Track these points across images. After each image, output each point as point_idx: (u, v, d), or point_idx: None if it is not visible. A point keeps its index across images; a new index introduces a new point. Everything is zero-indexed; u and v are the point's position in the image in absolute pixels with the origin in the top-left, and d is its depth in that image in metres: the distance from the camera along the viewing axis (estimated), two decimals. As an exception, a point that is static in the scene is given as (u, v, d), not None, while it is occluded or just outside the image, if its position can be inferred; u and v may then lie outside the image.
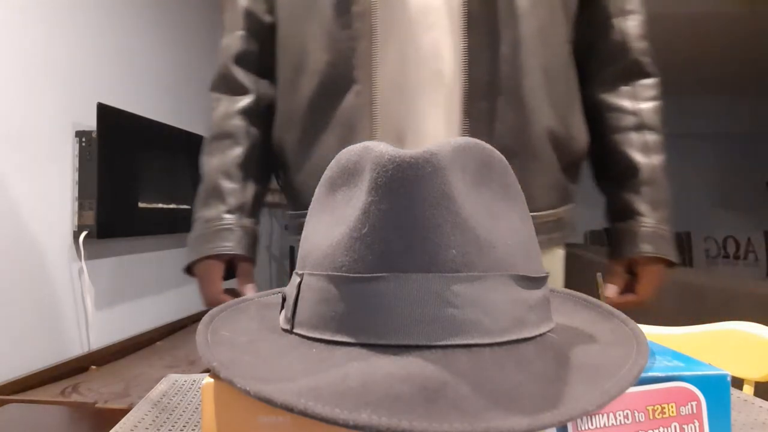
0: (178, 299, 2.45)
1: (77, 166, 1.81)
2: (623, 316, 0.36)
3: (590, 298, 0.42)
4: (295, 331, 0.34)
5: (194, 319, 2.41)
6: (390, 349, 0.29)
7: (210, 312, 0.38)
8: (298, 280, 0.35)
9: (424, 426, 0.23)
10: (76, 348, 1.78)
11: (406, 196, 0.29)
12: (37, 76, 1.68)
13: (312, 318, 0.33)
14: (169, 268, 2.39)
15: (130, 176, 1.97)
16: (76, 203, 1.80)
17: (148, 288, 2.23)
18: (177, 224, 2.32)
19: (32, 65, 1.65)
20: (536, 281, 0.33)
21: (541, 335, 0.32)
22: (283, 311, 0.36)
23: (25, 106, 1.62)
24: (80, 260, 1.80)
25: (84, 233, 1.78)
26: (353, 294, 0.30)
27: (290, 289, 0.36)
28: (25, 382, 1.48)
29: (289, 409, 0.24)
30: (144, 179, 2.06)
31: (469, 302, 0.29)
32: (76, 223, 1.80)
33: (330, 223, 0.33)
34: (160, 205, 2.19)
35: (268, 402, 0.25)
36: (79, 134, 1.81)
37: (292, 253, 3.30)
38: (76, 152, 1.81)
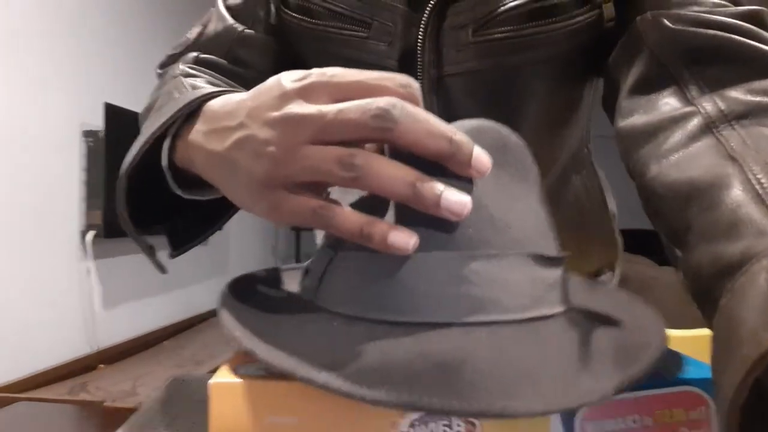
0: (185, 299, 2.45)
1: (85, 165, 1.82)
2: (643, 301, 0.36)
3: (611, 286, 0.41)
4: (318, 304, 0.34)
5: (201, 318, 2.42)
6: (410, 326, 0.29)
7: (231, 282, 0.38)
8: (325, 254, 0.35)
9: (441, 404, 0.23)
10: (84, 347, 1.79)
11: None
12: (45, 78, 1.68)
13: (335, 293, 0.33)
14: (176, 267, 2.39)
15: (137, 176, 1.98)
16: (84, 203, 1.81)
17: (155, 287, 2.24)
18: (184, 224, 2.33)
19: (40, 67, 1.66)
20: (554, 261, 0.33)
21: (561, 313, 0.32)
22: (307, 283, 0.36)
23: (34, 107, 1.63)
24: (88, 259, 1.81)
25: (91, 233, 1.79)
26: (374, 272, 0.30)
27: (316, 262, 0.36)
28: (33, 380, 1.49)
29: (310, 383, 0.24)
30: (151, 179, 2.07)
31: (488, 280, 0.29)
32: (83, 222, 1.81)
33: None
34: (167, 205, 2.20)
35: (290, 375, 0.25)
36: (87, 134, 1.82)
37: (298, 253, 3.31)
38: (84, 152, 1.82)
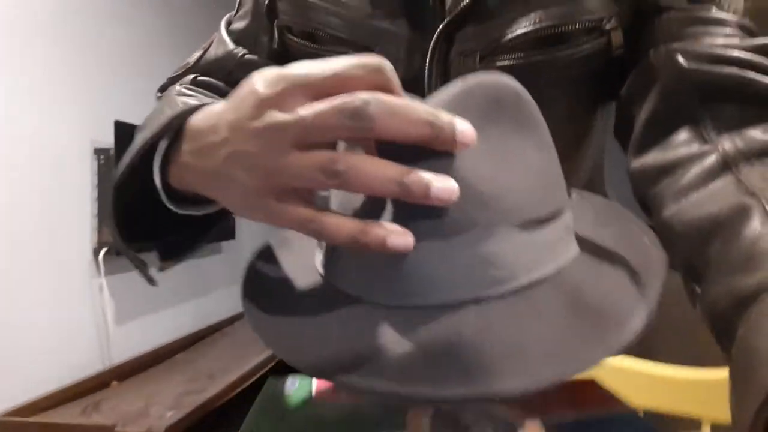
0: (196, 310, 2.47)
1: (96, 183, 1.84)
2: (651, 234, 0.35)
3: (620, 208, 0.41)
4: (328, 279, 0.35)
5: (214, 329, 2.44)
6: (402, 311, 0.30)
7: (256, 254, 0.41)
8: None
9: (428, 392, 0.25)
10: (97, 363, 1.80)
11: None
12: (56, 96, 1.70)
13: (339, 272, 0.34)
14: (187, 278, 2.41)
15: (148, 191, 1.99)
16: (96, 220, 1.83)
17: (167, 300, 2.25)
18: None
19: (50, 85, 1.68)
20: (549, 217, 0.32)
21: (558, 272, 0.32)
22: (319, 257, 0.37)
23: (45, 126, 1.65)
24: (100, 276, 1.82)
25: (104, 250, 1.81)
26: (369, 258, 0.31)
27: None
28: (46, 401, 1.51)
29: (314, 375, 0.27)
30: (162, 194, 2.08)
31: (477, 260, 0.30)
32: (95, 239, 1.82)
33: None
34: (178, 219, 2.22)
35: (297, 366, 0.28)
36: (98, 152, 1.84)
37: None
38: (95, 170, 1.84)
